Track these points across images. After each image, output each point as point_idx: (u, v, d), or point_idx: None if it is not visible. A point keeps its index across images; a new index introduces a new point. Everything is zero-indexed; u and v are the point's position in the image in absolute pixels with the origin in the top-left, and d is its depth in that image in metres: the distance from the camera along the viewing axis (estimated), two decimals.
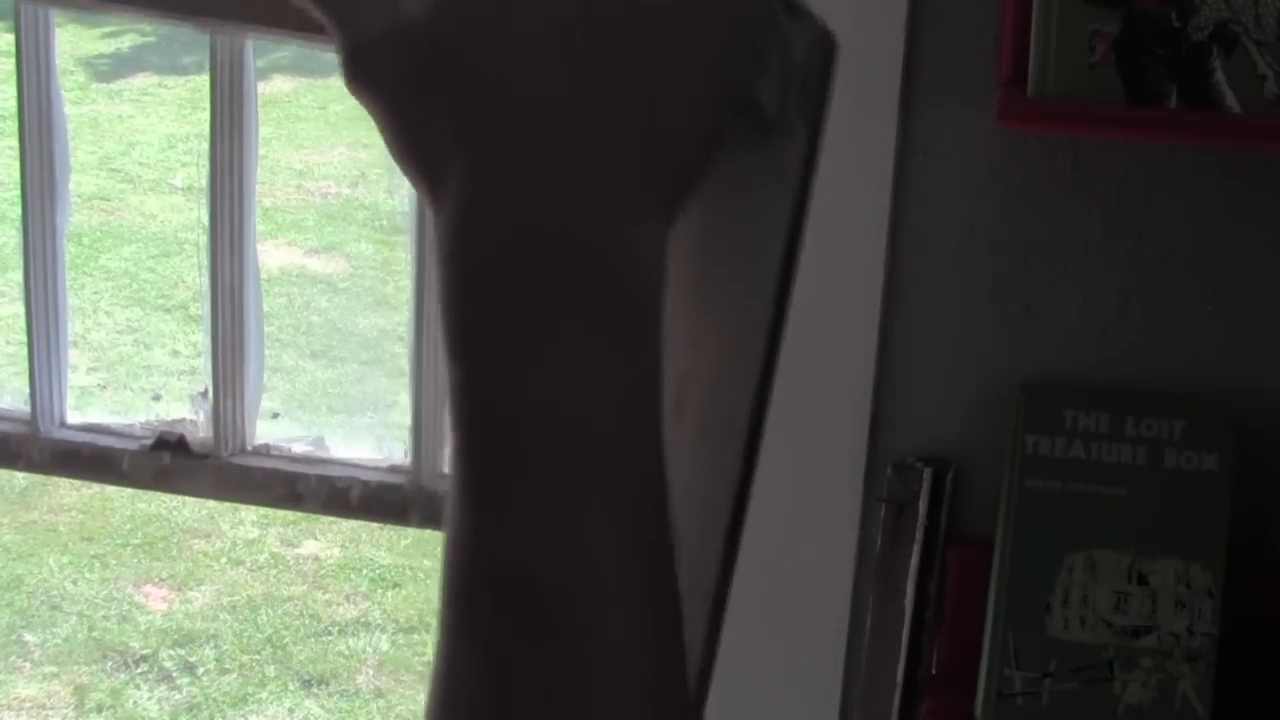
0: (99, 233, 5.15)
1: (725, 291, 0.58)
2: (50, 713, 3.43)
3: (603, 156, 0.48)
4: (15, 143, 1.64)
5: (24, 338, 1.69)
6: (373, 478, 1.60)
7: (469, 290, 0.47)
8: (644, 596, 0.49)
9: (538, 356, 0.47)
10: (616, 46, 0.48)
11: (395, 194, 5.11)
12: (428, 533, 1.61)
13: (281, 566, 3.99)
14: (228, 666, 3.60)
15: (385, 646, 3.67)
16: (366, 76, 0.50)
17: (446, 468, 1.59)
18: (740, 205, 0.57)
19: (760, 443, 0.56)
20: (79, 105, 5.67)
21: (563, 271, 0.47)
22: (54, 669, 3.56)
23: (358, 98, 0.50)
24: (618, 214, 0.48)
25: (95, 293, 4.85)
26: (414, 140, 0.49)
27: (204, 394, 1.65)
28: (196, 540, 4.07)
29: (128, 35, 6.43)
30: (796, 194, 0.56)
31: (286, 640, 3.69)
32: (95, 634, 3.69)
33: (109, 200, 5.36)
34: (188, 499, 3.18)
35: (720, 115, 0.50)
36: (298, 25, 0.55)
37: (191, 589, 3.89)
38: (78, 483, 3.57)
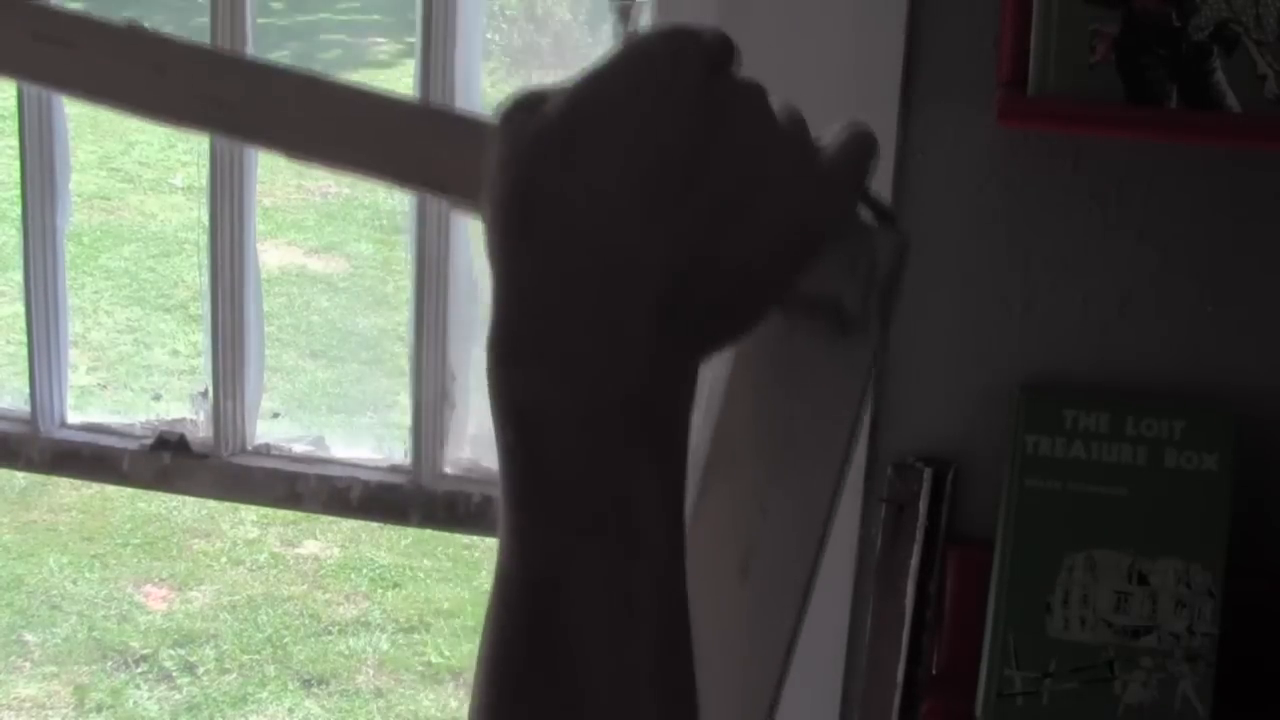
0: (99, 232, 5.15)
1: (795, 470, 0.64)
2: (50, 713, 3.43)
3: (669, 292, 0.54)
4: (15, 143, 1.64)
5: (24, 338, 1.69)
6: (373, 478, 1.60)
7: (524, 368, 0.53)
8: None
9: (585, 449, 0.53)
10: (705, 207, 0.54)
11: (395, 193, 5.10)
12: (428, 533, 1.61)
13: (281, 566, 3.99)
14: (228, 666, 3.60)
15: (385, 646, 3.67)
16: (514, 134, 0.54)
17: (447, 468, 1.59)
18: (816, 392, 0.63)
19: (810, 599, 0.63)
20: (79, 105, 5.66)
21: (614, 383, 0.53)
22: (54, 669, 3.56)
23: (500, 136, 0.55)
24: (673, 344, 0.54)
25: (95, 292, 4.85)
26: (521, 210, 0.54)
27: (204, 394, 1.65)
28: (196, 540, 4.07)
29: None
30: (864, 384, 0.63)
31: (286, 640, 3.69)
32: (95, 634, 3.69)
33: (109, 200, 5.36)
34: (188, 499, 3.18)
35: (775, 300, 0.57)
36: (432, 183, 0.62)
37: (191, 589, 3.89)
38: (78, 483, 3.57)
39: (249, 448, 1.65)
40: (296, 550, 4.05)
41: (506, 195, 0.53)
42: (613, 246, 0.53)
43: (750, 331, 0.57)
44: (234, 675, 3.57)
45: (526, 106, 0.54)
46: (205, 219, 1.63)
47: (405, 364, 1.58)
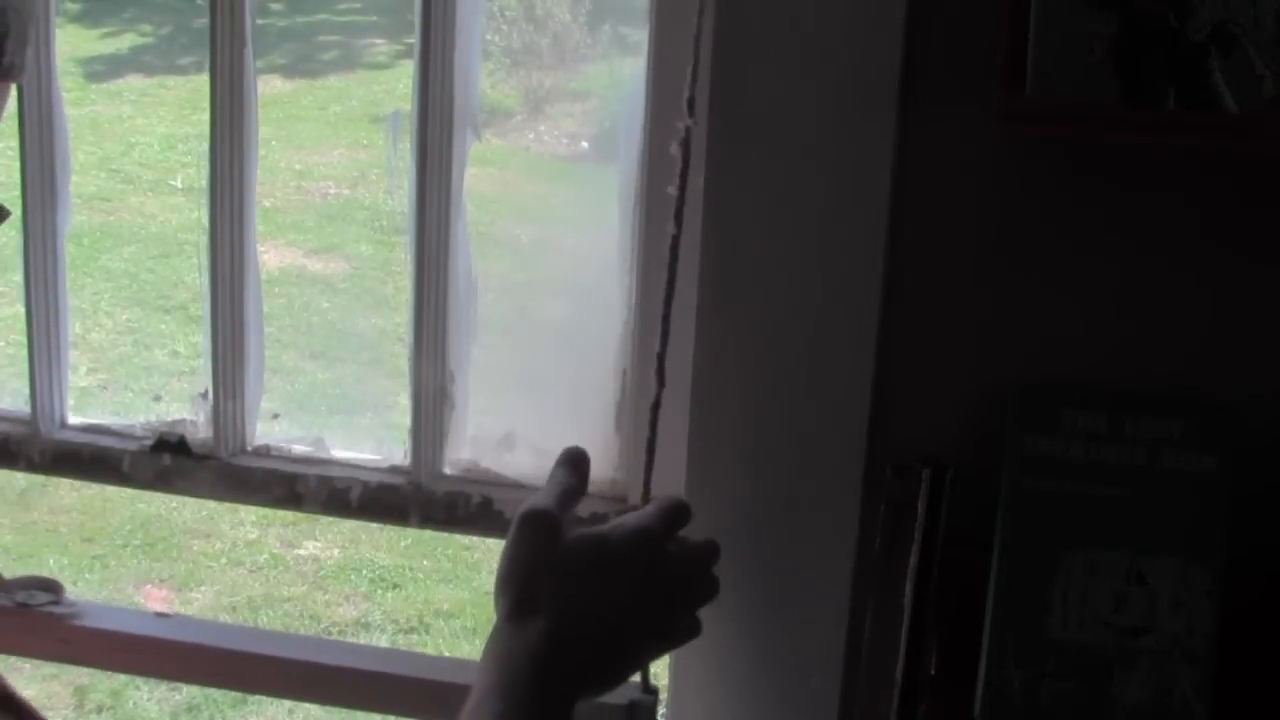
0: (99, 233, 5.15)
1: None
2: (50, 713, 3.43)
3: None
4: (15, 144, 1.64)
5: (24, 339, 1.69)
6: (373, 478, 1.60)
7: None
8: None
9: None
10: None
11: (395, 194, 5.11)
12: (427, 533, 1.61)
13: (281, 567, 3.99)
14: None
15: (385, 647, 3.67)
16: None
17: (446, 468, 1.59)
18: None
19: None
20: (79, 106, 5.66)
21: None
22: (54, 669, 3.56)
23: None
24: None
25: (95, 293, 4.85)
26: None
27: (204, 395, 1.65)
28: (196, 541, 4.07)
29: (127, 36, 6.43)
30: None
31: None
32: None
33: (109, 200, 5.36)
34: (188, 499, 3.17)
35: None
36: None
37: (191, 589, 3.89)
38: (78, 483, 3.56)
39: (249, 448, 1.66)
40: (296, 551, 4.05)
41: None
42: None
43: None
44: None
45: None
46: (205, 220, 1.63)
47: (405, 364, 1.58)
